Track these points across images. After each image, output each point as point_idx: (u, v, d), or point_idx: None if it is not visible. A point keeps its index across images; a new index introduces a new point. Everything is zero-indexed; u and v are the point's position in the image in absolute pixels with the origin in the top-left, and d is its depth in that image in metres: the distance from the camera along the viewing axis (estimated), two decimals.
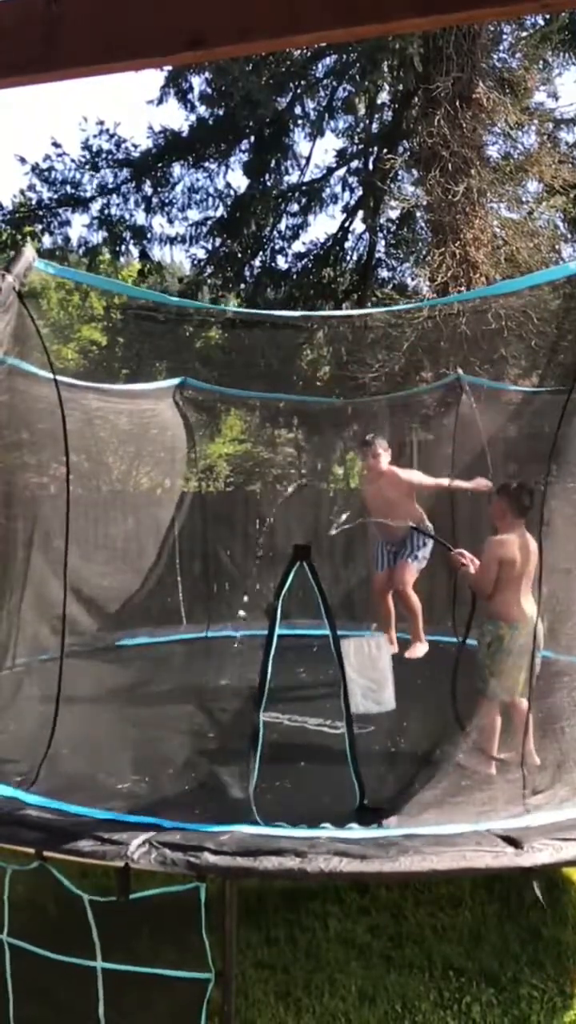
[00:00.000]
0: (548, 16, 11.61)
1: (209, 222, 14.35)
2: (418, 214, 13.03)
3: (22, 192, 13.98)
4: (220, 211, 14.40)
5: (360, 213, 14.63)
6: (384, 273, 14.70)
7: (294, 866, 2.66)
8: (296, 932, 3.68)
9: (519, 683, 4.11)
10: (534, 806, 3.30)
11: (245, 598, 6.61)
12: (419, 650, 5.80)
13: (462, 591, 6.74)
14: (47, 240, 14.02)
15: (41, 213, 13.90)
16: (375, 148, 14.26)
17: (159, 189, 14.10)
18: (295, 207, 14.66)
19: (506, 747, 4.15)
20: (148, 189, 14.08)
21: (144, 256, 14.60)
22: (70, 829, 2.97)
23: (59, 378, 4.19)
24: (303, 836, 2.98)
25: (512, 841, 2.79)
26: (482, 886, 3.97)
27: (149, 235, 14.31)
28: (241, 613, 6.63)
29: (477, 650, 4.45)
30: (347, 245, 14.96)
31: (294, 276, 14.56)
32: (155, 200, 14.10)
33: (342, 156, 14.52)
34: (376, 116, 14.50)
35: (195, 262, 14.82)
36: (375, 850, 2.78)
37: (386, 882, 3.12)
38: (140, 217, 14.19)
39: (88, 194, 13.95)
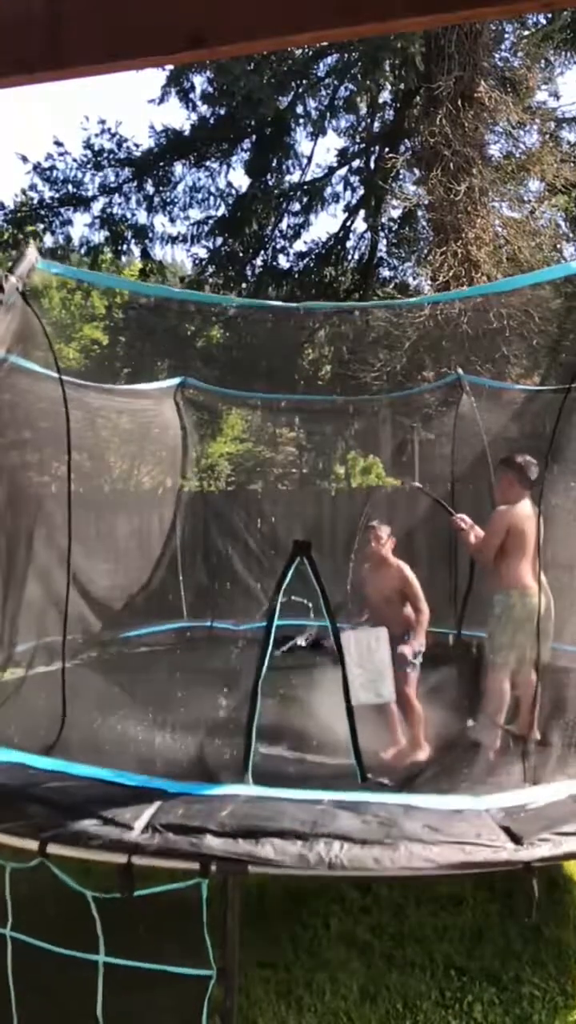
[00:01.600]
0: (550, 15, 11.62)
1: (211, 221, 14.38)
2: (420, 213, 13.05)
3: (24, 191, 14.02)
4: (222, 210, 14.45)
5: (362, 212, 14.66)
6: (386, 272, 14.75)
7: (296, 850, 2.66)
8: (298, 930, 3.68)
9: (529, 652, 4.11)
10: (534, 783, 3.33)
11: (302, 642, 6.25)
12: (419, 757, 5.48)
13: (462, 579, 6.77)
14: (49, 239, 14.06)
15: (43, 212, 13.93)
16: (377, 147, 14.28)
17: (161, 188, 14.13)
18: (296, 206, 14.71)
19: (510, 719, 4.16)
20: (150, 188, 14.12)
21: (146, 255, 14.63)
22: (72, 813, 2.95)
23: (63, 377, 4.20)
24: (305, 800, 3.00)
25: (512, 835, 2.79)
26: (483, 885, 3.97)
27: (151, 234, 14.37)
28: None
29: (487, 622, 4.48)
30: (349, 244, 15.01)
31: (296, 275, 14.57)
32: (157, 199, 14.14)
33: (343, 155, 14.54)
34: (378, 115, 14.53)
35: (196, 261, 14.86)
36: (376, 830, 2.77)
37: (385, 875, 3.12)
38: (142, 216, 14.28)
39: (90, 193, 14.00)
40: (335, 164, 14.56)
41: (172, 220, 14.46)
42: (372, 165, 14.20)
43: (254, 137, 14.19)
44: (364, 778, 3.48)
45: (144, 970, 2.69)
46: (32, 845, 2.80)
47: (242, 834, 2.72)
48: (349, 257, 15.11)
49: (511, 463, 4.54)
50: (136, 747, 4.13)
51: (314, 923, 3.74)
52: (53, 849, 2.79)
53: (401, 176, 13.35)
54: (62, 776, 3.27)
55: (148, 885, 2.77)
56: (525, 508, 4.37)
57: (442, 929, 3.71)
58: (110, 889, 2.74)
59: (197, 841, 2.67)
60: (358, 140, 14.60)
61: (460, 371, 7.50)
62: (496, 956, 3.51)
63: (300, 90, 13.92)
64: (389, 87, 14.04)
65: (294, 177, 14.57)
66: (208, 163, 14.25)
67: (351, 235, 14.92)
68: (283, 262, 14.84)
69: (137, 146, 14.04)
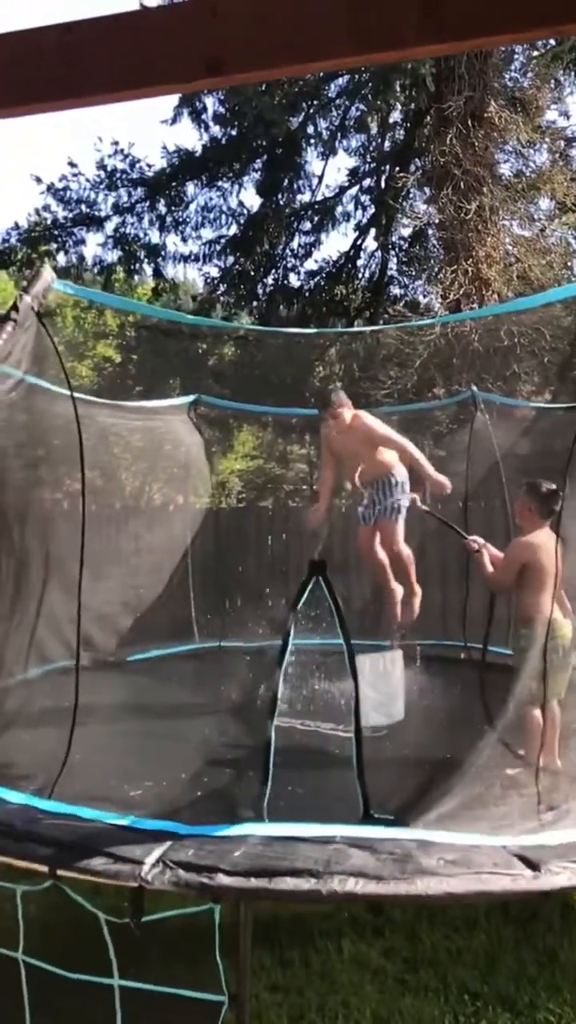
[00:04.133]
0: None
1: (222, 240, 14.47)
2: (430, 232, 13.11)
3: (37, 211, 14.16)
4: (233, 229, 14.53)
5: (372, 231, 14.73)
6: (396, 290, 14.77)
7: (309, 887, 2.64)
8: (310, 954, 3.65)
9: (559, 684, 4.06)
10: (549, 821, 3.27)
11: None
12: (416, 605, 5.78)
13: (473, 601, 6.75)
14: (62, 258, 14.19)
15: (57, 232, 14.06)
16: (387, 166, 14.36)
17: (173, 208, 14.25)
18: (307, 225, 14.76)
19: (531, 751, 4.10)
20: (162, 208, 14.23)
21: (158, 274, 14.73)
22: (83, 844, 2.96)
23: (76, 395, 4.22)
24: (317, 837, 2.97)
25: (530, 863, 2.75)
26: (498, 908, 3.92)
27: (163, 253, 14.46)
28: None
29: (512, 657, 4.42)
30: (359, 263, 15.06)
31: (306, 294, 14.64)
32: (169, 219, 14.25)
33: (354, 174, 14.62)
34: (388, 135, 14.61)
35: (208, 280, 14.95)
36: (391, 867, 2.75)
37: (402, 904, 3.10)
38: (154, 236, 14.37)
39: (103, 213, 14.11)
40: (346, 183, 14.66)
41: (184, 239, 14.55)
42: (383, 184, 14.27)
43: (265, 157, 14.30)
44: (367, 812, 3.44)
45: (157, 995, 2.67)
46: (42, 869, 2.80)
47: (255, 873, 2.70)
48: (360, 275, 15.17)
49: (536, 492, 4.43)
50: (142, 787, 4.08)
51: (326, 946, 3.70)
52: (63, 872, 2.79)
53: (411, 195, 13.42)
54: (69, 818, 3.26)
55: (159, 907, 2.76)
56: (541, 538, 4.32)
57: (456, 953, 3.67)
58: (121, 909, 2.73)
59: (209, 881, 2.66)
60: (369, 160, 14.69)
61: (474, 388, 7.51)
62: (511, 980, 3.47)
63: (311, 111, 14.03)
64: (400, 107, 14.13)
65: (305, 197, 14.67)
66: (220, 183, 14.36)
67: (362, 253, 14.99)
68: (294, 280, 14.91)
69: (150, 166, 14.18)
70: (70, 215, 14.06)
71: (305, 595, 3.44)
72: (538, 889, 2.63)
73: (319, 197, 14.67)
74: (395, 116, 14.40)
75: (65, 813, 3.30)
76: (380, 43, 1.71)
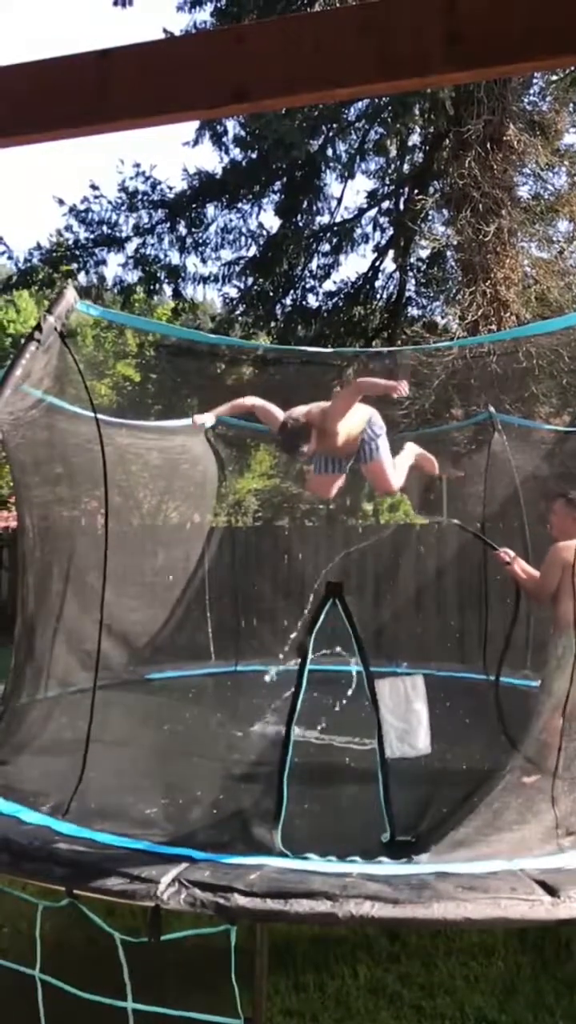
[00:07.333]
0: None
1: (242, 261, 14.61)
2: (448, 253, 13.16)
3: (59, 232, 14.37)
4: (252, 251, 14.66)
5: (391, 252, 14.81)
6: (414, 311, 14.83)
7: (325, 910, 2.61)
8: (325, 979, 3.61)
9: None
10: (568, 846, 3.23)
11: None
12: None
13: (492, 624, 6.70)
14: (83, 278, 14.36)
15: (78, 252, 14.23)
16: (406, 189, 14.47)
17: (193, 229, 14.40)
18: (326, 247, 14.88)
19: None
20: (182, 229, 14.39)
21: (177, 295, 14.87)
22: (100, 865, 2.95)
23: (98, 416, 4.26)
24: (333, 872, 2.94)
25: (549, 888, 2.72)
26: (515, 935, 3.87)
27: (183, 274, 14.61)
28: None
29: (546, 664, 4.37)
30: (377, 284, 15.15)
31: (325, 314, 14.71)
32: (189, 240, 14.40)
33: (373, 197, 14.74)
34: (407, 157, 14.74)
35: (227, 300, 15.07)
36: (408, 893, 2.72)
37: (418, 929, 3.05)
38: (174, 257, 14.53)
39: (124, 234, 14.29)
40: (364, 205, 14.79)
41: (204, 260, 14.69)
42: (401, 206, 14.39)
43: (285, 179, 14.45)
44: (392, 838, 3.40)
45: (172, 1017, 2.65)
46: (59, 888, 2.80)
47: (271, 895, 2.68)
48: (378, 296, 15.24)
49: (573, 501, 4.49)
50: (158, 805, 4.06)
51: (342, 971, 3.66)
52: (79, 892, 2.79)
53: (430, 217, 13.50)
54: (84, 841, 3.24)
55: (175, 928, 2.75)
56: None
57: (473, 980, 3.62)
58: (136, 928, 2.72)
59: (225, 901, 2.64)
60: (387, 182, 14.82)
61: (492, 409, 7.50)
62: (529, 1009, 3.41)
63: (330, 134, 14.17)
64: (419, 130, 14.26)
65: (324, 218, 14.81)
66: (240, 205, 14.51)
67: (380, 275, 15.09)
68: (312, 301, 15.01)
69: (171, 188, 14.37)
70: (91, 236, 14.25)
71: (322, 618, 3.41)
72: (557, 917, 2.59)
73: (338, 219, 14.82)
74: (414, 139, 14.56)
75: (81, 837, 3.30)
76: (405, 71, 1.72)
